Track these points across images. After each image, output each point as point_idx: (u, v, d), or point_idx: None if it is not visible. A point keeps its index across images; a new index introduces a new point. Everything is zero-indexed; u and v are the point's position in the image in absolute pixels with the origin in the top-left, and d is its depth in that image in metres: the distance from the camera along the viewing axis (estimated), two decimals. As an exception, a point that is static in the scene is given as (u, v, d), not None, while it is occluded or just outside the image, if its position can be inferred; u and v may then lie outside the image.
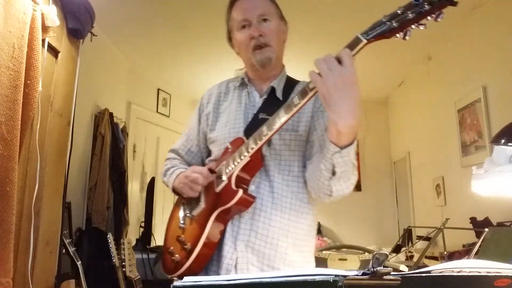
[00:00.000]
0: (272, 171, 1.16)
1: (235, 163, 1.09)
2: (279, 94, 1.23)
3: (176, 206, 1.31)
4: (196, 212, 1.17)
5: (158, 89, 4.50)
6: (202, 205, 1.16)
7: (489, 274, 0.58)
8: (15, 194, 1.36)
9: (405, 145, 4.51)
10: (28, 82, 1.47)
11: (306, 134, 1.18)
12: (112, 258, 2.31)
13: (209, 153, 1.33)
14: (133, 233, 3.71)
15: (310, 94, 0.96)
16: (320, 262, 2.71)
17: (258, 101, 1.25)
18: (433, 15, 0.86)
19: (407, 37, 0.89)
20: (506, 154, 1.51)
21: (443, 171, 3.45)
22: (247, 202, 1.10)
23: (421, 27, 0.87)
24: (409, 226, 2.99)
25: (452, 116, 3.20)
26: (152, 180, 3.66)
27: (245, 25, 1.19)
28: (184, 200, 1.26)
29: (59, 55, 1.79)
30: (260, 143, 1.05)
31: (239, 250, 1.12)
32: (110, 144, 3.24)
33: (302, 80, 1.28)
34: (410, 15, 0.86)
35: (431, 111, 3.73)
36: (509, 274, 0.58)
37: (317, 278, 0.55)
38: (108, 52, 3.56)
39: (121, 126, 3.57)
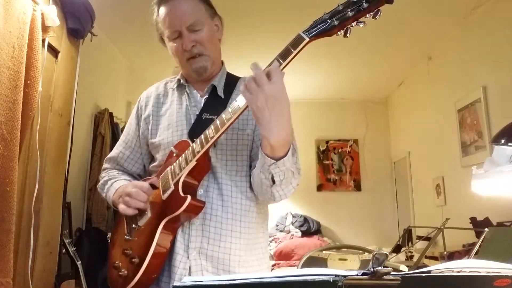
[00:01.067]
0: (220, 173, 1.12)
1: (181, 168, 1.04)
2: (220, 92, 1.20)
3: (120, 217, 1.23)
4: (142, 222, 1.10)
5: (158, 89, 4.50)
6: (149, 214, 1.10)
7: (489, 274, 0.58)
8: (15, 194, 1.36)
9: (405, 145, 4.51)
10: (28, 82, 1.47)
11: (252, 133, 1.15)
12: (112, 258, 2.30)
13: (151, 159, 1.27)
14: (133, 233, 3.71)
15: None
16: (320, 262, 2.71)
17: (200, 100, 1.21)
18: (371, 13, 0.86)
19: (348, 35, 0.91)
20: (506, 154, 1.51)
21: (443, 171, 3.45)
22: (196, 209, 1.05)
23: (361, 25, 0.89)
24: (409, 226, 3.00)
25: (452, 116, 3.20)
26: (152, 180, 3.65)
27: (177, 36, 1.14)
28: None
29: (59, 55, 1.79)
30: (206, 146, 1.01)
31: (191, 258, 1.07)
32: (110, 144, 3.23)
33: (242, 76, 1.25)
34: (350, 12, 0.87)
35: (431, 111, 3.73)
36: (509, 274, 0.58)
37: (317, 278, 0.55)
38: (108, 52, 3.56)
39: (121, 126, 3.57)
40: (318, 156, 5.02)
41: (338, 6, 0.89)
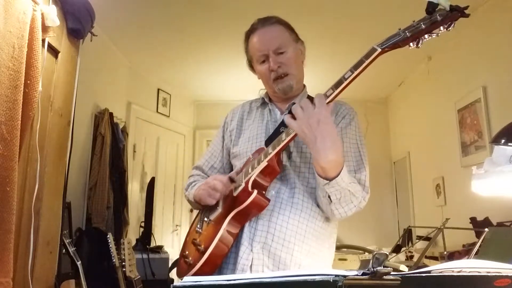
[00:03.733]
0: (293, 179, 1.19)
1: (253, 168, 1.13)
2: None
3: (197, 215, 1.34)
4: (213, 216, 1.20)
5: (158, 89, 4.50)
6: (220, 209, 1.19)
7: (489, 274, 0.58)
8: (15, 194, 1.36)
9: (405, 145, 4.51)
10: (28, 82, 1.47)
11: None
12: (112, 258, 2.31)
13: (231, 169, 1.37)
14: (133, 233, 3.71)
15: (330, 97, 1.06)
16: (320, 262, 2.70)
17: (280, 117, 1.31)
18: (445, 25, 0.91)
19: (419, 45, 0.96)
20: (506, 154, 1.51)
21: (443, 171, 3.45)
22: (261, 204, 1.11)
23: (434, 36, 0.94)
24: (409, 226, 2.99)
25: (452, 116, 3.20)
26: (152, 180, 3.66)
27: (264, 60, 1.26)
28: (204, 208, 1.28)
29: (59, 55, 1.79)
30: (278, 148, 1.09)
31: (255, 251, 1.13)
32: (110, 144, 3.24)
33: None
34: (423, 25, 0.93)
35: (431, 111, 3.73)
36: (509, 274, 0.58)
37: (317, 278, 0.55)
38: (108, 52, 3.56)
39: (121, 126, 3.57)
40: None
41: (413, 22, 0.96)
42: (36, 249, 1.62)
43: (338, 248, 3.45)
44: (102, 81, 3.45)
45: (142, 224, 3.62)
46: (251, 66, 1.36)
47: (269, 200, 1.13)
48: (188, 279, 0.57)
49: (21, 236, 1.53)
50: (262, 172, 1.12)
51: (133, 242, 3.09)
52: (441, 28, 0.91)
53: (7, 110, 1.35)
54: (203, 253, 1.11)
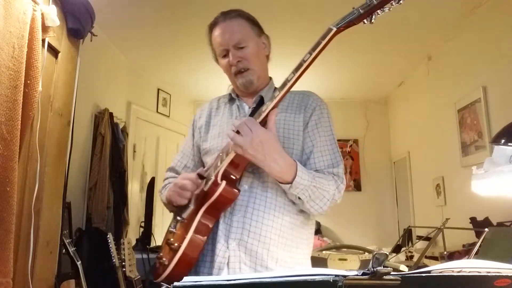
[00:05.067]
0: (265, 172, 1.15)
1: (222, 160, 1.12)
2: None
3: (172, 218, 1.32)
4: (186, 214, 1.17)
5: (158, 89, 4.50)
6: (192, 206, 1.17)
7: (489, 274, 0.58)
8: (15, 194, 1.36)
9: (405, 145, 4.51)
10: (28, 82, 1.47)
11: (301, 148, 1.23)
12: (112, 258, 2.30)
13: (204, 166, 1.34)
14: (133, 233, 3.71)
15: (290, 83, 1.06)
16: (320, 262, 2.71)
17: (248, 111, 1.31)
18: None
19: (373, 21, 0.99)
20: (506, 154, 1.51)
21: (443, 171, 3.45)
22: (230, 194, 1.10)
23: (386, 10, 0.96)
24: (409, 226, 2.99)
25: (452, 116, 3.20)
26: (152, 180, 3.66)
27: (226, 54, 1.27)
28: (178, 208, 1.26)
29: (59, 55, 1.79)
30: None
31: (231, 248, 1.12)
32: (110, 144, 3.23)
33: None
34: (375, 1, 0.95)
35: (431, 111, 3.73)
36: (509, 274, 0.58)
37: (317, 278, 0.55)
38: (108, 52, 3.56)
39: (121, 126, 3.57)
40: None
41: (366, 1, 0.98)
42: (36, 249, 1.62)
43: (338, 248, 3.45)
44: (102, 81, 3.45)
45: (142, 224, 3.62)
46: (216, 59, 1.37)
47: (239, 190, 1.11)
48: (188, 279, 0.57)
49: (21, 236, 1.53)
50: (231, 163, 1.11)
51: (133, 242, 3.09)
52: (392, 2, 0.93)
53: (7, 110, 1.35)
54: (177, 250, 1.10)
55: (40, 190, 1.64)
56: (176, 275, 1.09)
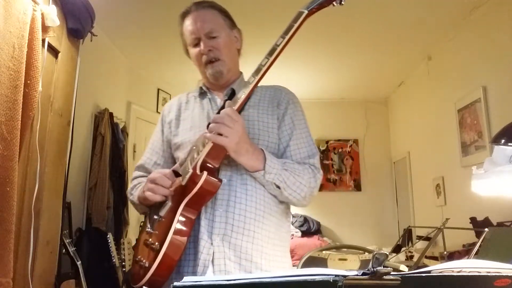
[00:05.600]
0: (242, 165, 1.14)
1: (199, 152, 1.08)
2: (239, 95, 1.24)
3: (145, 217, 1.26)
4: (163, 212, 1.11)
5: (158, 89, 4.50)
6: (169, 203, 1.11)
7: (489, 274, 0.58)
8: (15, 194, 1.36)
9: (405, 145, 4.51)
10: (28, 82, 1.47)
11: (276, 141, 1.22)
12: (112, 258, 2.31)
13: (175, 162, 1.30)
14: (133, 233, 3.71)
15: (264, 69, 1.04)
16: (320, 262, 2.71)
17: (220, 103, 1.27)
18: None
19: (343, 2, 1.01)
20: (506, 154, 1.51)
21: (443, 171, 3.45)
22: (213, 185, 1.05)
23: None
24: (409, 226, 2.99)
25: (452, 116, 3.20)
26: (152, 180, 3.65)
27: (197, 43, 1.24)
28: (152, 208, 1.21)
29: (59, 55, 1.79)
30: None
31: (215, 244, 1.09)
32: (110, 144, 3.23)
33: (259, 85, 1.30)
34: None
35: (431, 111, 3.73)
36: (509, 274, 0.58)
37: (317, 278, 0.55)
38: (108, 52, 3.56)
39: (121, 126, 3.57)
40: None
41: None
42: (36, 249, 1.62)
43: (338, 248, 3.45)
44: (102, 81, 3.45)
45: (142, 224, 3.62)
46: (186, 50, 1.33)
47: (221, 180, 1.07)
48: (188, 279, 0.57)
49: (21, 236, 1.53)
50: (209, 154, 1.06)
51: (133, 242, 3.09)
52: None
53: (7, 110, 1.35)
54: (159, 250, 1.03)
55: (40, 190, 1.64)
56: (159, 277, 1.03)
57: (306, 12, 1.00)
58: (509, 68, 2.51)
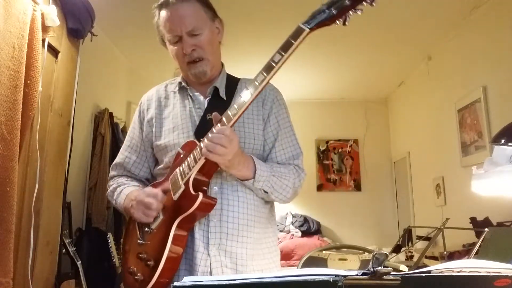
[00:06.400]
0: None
1: (191, 167, 1.05)
2: (222, 94, 1.23)
3: (131, 223, 1.23)
4: (154, 225, 1.11)
5: (158, 89, 4.50)
6: (161, 216, 1.11)
7: (489, 274, 0.58)
8: (15, 194, 1.36)
9: (405, 145, 4.51)
10: (28, 82, 1.47)
11: (261, 143, 1.22)
12: (112, 258, 2.30)
13: (156, 162, 1.28)
14: (133, 233, 3.71)
15: (261, 87, 1.00)
16: (320, 262, 2.71)
17: (203, 102, 1.23)
18: (368, 1, 0.90)
19: (347, 23, 0.94)
20: (506, 154, 1.51)
21: (443, 171, 3.45)
22: (208, 206, 1.06)
23: (358, 12, 0.92)
24: (409, 226, 3.00)
25: (452, 116, 3.20)
26: (152, 180, 3.65)
27: (177, 40, 1.16)
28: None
29: (59, 55, 1.79)
30: None
31: (212, 254, 1.09)
32: (110, 144, 3.23)
33: (242, 77, 1.29)
34: (347, 1, 0.90)
35: (431, 111, 3.73)
36: (509, 274, 0.58)
37: (317, 278, 0.55)
38: (108, 52, 3.56)
39: (121, 126, 3.57)
40: (318, 156, 5.02)
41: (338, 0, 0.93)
42: (36, 249, 1.62)
43: (338, 248, 3.45)
44: (102, 81, 3.45)
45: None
46: (163, 42, 1.24)
47: (215, 199, 1.07)
48: (188, 279, 0.57)
49: (21, 236, 1.53)
50: (201, 169, 1.05)
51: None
52: (364, 3, 0.89)
53: (7, 110, 1.35)
54: (155, 268, 1.04)
55: (40, 190, 1.64)
56: None
57: (307, 30, 0.94)
58: (509, 68, 2.51)
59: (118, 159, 1.32)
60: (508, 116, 2.32)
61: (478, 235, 2.00)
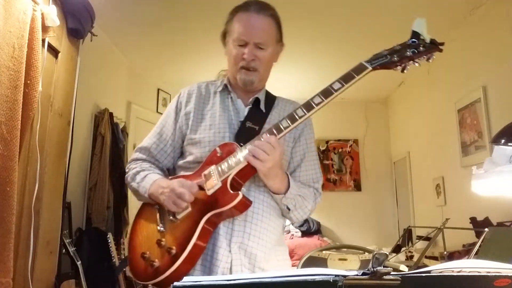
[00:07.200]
0: (259, 176, 1.18)
1: (231, 168, 1.11)
2: (262, 106, 1.30)
3: (148, 208, 1.24)
4: (180, 215, 1.13)
5: (158, 89, 4.50)
6: (189, 208, 1.12)
7: (489, 274, 0.58)
8: (15, 194, 1.36)
9: (405, 145, 4.51)
10: (28, 82, 1.47)
11: (288, 160, 1.29)
12: (112, 258, 2.31)
13: (182, 153, 1.30)
14: (133, 233, 3.71)
15: (302, 119, 1.10)
16: (320, 262, 2.71)
17: (243, 109, 1.29)
18: (425, 56, 1.07)
19: (405, 71, 1.09)
20: (506, 154, 1.51)
21: (443, 171, 3.45)
22: (244, 206, 1.11)
23: (416, 64, 1.08)
24: (409, 226, 2.99)
25: (452, 116, 3.20)
26: (152, 180, 3.65)
27: (242, 45, 1.22)
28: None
29: (59, 55, 1.79)
30: None
31: (233, 252, 1.12)
32: (110, 144, 3.23)
33: (278, 96, 1.37)
34: (408, 52, 1.06)
35: (431, 111, 3.73)
36: (509, 274, 0.58)
37: (317, 278, 0.55)
38: (108, 52, 3.56)
39: (121, 126, 3.57)
40: (318, 156, 5.02)
41: (396, 46, 1.09)
42: (36, 249, 1.62)
43: (338, 248, 3.45)
44: (102, 81, 3.45)
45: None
46: (224, 37, 1.30)
47: (251, 201, 1.12)
48: (188, 279, 0.57)
49: (21, 236, 1.53)
50: (239, 172, 1.10)
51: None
52: (423, 57, 1.05)
53: (7, 110, 1.35)
54: (176, 257, 1.05)
55: (40, 190, 1.64)
56: (170, 282, 1.03)
57: (369, 68, 1.07)
58: (509, 68, 2.51)
59: (145, 143, 1.33)
60: (508, 116, 2.31)
61: (478, 235, 2.00)
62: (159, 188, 1.17)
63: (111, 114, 3.33)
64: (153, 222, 1.19)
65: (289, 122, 1.09)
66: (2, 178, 1.32)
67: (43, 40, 1.61)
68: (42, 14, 1.57)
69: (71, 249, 2.10)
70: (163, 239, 1.13)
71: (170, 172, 1.33)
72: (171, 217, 1.15)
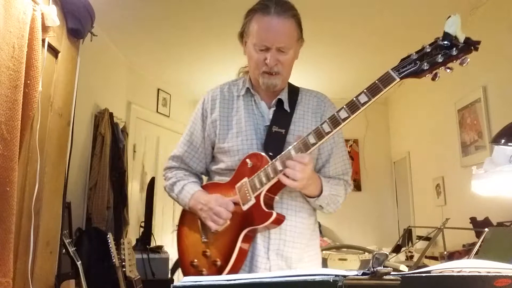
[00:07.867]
0: None
1: (263, 183, 1.14)
2: (286, 106, 1.30)
3: (190, 215, 1.31)
4: (220, 228, 1.21)
5: (158, 89, 4.50)
6: (228, 221, 1.20)
7: (489, 274, 0.58)
8: (15, 194, 1.36)
9: (405, 145, 4.51)
10: (28, 82, 1.47)
11: (316, 155, 1.31)
12: (112, 258, 2.30)
13: (212, 160, 1.37)
14: (133, 233, 3.71)
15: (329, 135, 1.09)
16: (320, 262, 2.71)
17: (267, 112, 1.30)
18: (459, 59, 0.96)
19: (436, 79, 0.97)
20: (506, 154, 1.51)
21: (443, 171, 3.45)
22: (278, 222, 1.16)
23: (448, 71, 0.97)
24: (409, 226, 2.99)
25: (452, 116, 3.20)
26: (152, 180, 3.66)
27: (263, 49, 1.20)
28: None
29: (59, 55, 1.79)
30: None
31: (271, 259, 1.20)
32: (110, 144, 3.23)
33: (301, 87, 1.38)
34: (440, 58, 0.95)
35: (431, 111, 3.73)
36: (509, 274, 0.58)
37: (317, 278, 0.55)
38: (108, 52, 3.56)
39: (121, 126, 3.57)
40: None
41: (425, 47, 0.98)
42: (36, 249, 1.62)
43: (338, 248, 3.45)
44: (102, 81, 3.45)
45: (142, 224, 3.62)
46: (241, 36, 1.29)
47: (284, 217, 1.17)
48: (188, 279, 0.57)
49: (21, 236, 1.53)
50: (272, 186, 1.15)
51: (133, 242, 3.09)
52: (456, 61, 0.93)
53: (7, 110, 1.35)
54: (222, 268, 1.16)
55: (40, 190, 1.64)
56: None
57: (397, 80, 1.00)
58: (509, 68, 2.51)
59: (177, 152, 1.39)
60: (508, 116, 2.31)
61: (478, 235, 2.00)
62: (198, 204, 1.23)
63: (111, 114, 3.33)
64: (196, 231, 1.28)
65: (316, 138, 1.09)
66: (2, 178, 1.32)
67: (43, 40, 1.61)
68: (42, 14, 1.57)
69: (71, 249, 2.10)
70: (208, 250, 1.22)
71: (204, 175, 1.41)
72: (212, 230, 1.22)
